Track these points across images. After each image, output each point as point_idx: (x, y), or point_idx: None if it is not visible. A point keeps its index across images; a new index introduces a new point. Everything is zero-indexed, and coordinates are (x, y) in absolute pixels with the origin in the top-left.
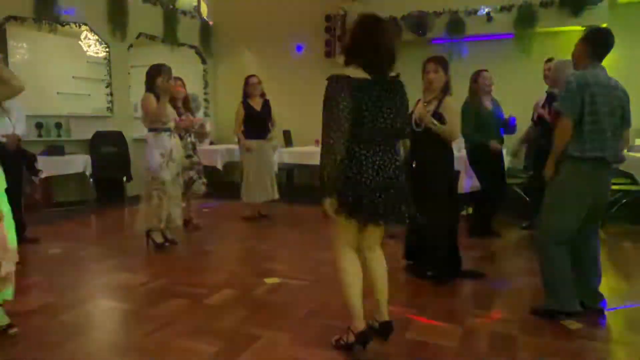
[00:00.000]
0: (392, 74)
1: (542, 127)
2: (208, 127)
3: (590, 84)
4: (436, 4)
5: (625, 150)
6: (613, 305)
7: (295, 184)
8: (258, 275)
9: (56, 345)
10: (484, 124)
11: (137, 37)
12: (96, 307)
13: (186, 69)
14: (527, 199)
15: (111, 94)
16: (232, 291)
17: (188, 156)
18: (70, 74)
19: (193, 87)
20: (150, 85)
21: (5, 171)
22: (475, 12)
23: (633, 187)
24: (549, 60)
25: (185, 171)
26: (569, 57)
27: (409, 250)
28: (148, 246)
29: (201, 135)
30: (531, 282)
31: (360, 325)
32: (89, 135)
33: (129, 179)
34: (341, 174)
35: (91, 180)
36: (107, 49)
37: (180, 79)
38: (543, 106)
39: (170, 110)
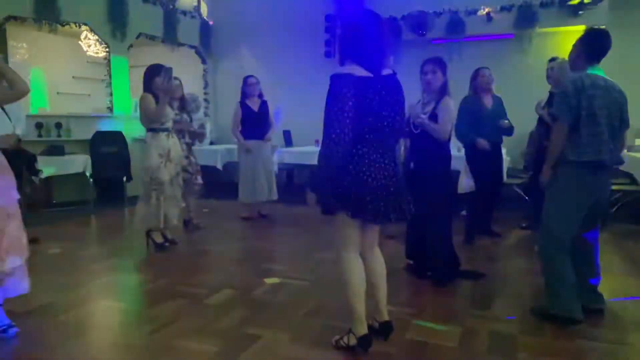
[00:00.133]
0: (389, 71)
1: (544, 127)
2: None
3: (587, 87)
4: (436, 4)
5: (625, 151)
6: (613, 305)
7: (295, 184)
8: (258, 275)
9: (56, 345)
10: (482, 122)
11: (137, 37)
12: (96, 307)
13: (186, 69)
14: (527, 198)
15: (111, 94)
16: (232, 291)
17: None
18: (70, 74)
19: (193, 87)
20: (148, 85)
21: None
22: (475, 12)
23: (633, 187)
24: (553, 59)
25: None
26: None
27: (410, 249)
28: (148, 246)
29: (197, 135)
30: (531, 282)
31: (362, 329)
32: (89, 135)
33: (129, 179)
34: (343, 173)
35: (91, 180)
36: (107, 49)
37: (177, 78)
38: (544, 107)
39: (168, 110)
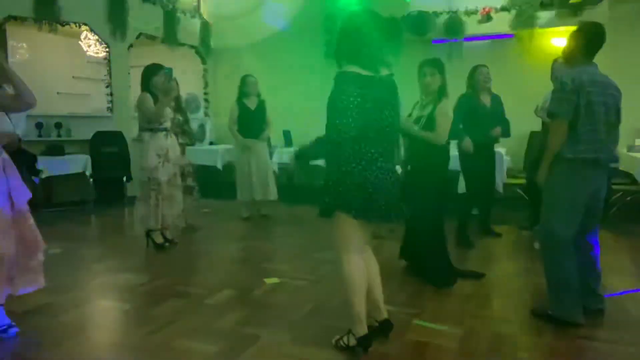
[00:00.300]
0: (387, 71)
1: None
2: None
3: (585, 84)
4: (436, 4)
5: (625, 150)
6: (613, 305)
7: (295, 184)
8: (258, 275)
9: (56, 345)
10: (480, 120)
11: (137, 37)
12: (96, 307)
13: (186, 69)
14: (527, 198)
15: (111, 94)
16: (232, 291)
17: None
18: (70, 74)
19: (193, 87)
20: (146, 85)
21: None
22: (476, 12)
23: (633, 187)
24: (557, 60)
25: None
26: None
27: (405, 249)
28: (148, 246)
29: (186, 133)
30: (531, 282)
31: (362, 329)
32: (89, 135)
33: (129, 179)
34: (346, 173)
35: (91, 180)
36: (107, 49)
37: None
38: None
39: (167, 110)
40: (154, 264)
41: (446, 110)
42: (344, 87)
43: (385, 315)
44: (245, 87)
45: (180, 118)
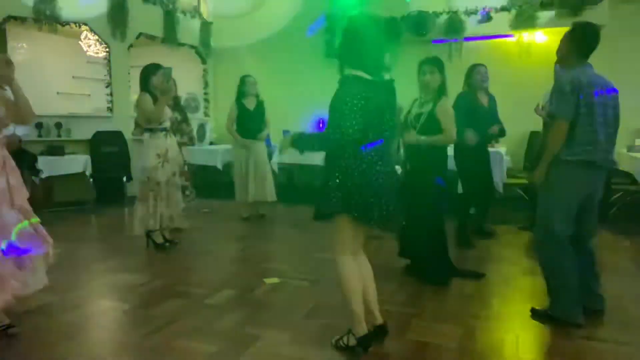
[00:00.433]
0: (388, 76)
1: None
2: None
3: (584, 85)
4: (436, 4)
5: (625, 150)
6: (613, 305)
7: (296, 185)
8: (258, 275)
9: (56, 345)
10: (478, 119)
11: (137, 37)
12: (96, 307)
13: (186, 69)
14: (527, 198)
15: (111, 94)
16: (232, 291)
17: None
18: (70, 74)
19: (193, 87)
20: (145, 84)
21: None
22: (476, 12)
23: (633, 187)
24: None
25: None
26: None
27: (404, 248)
28: (148, 246)
29: (184, 133)
30: (531, 282)
31: (361, 329)
32: (89, 135)
33: (129, 178)
34: (347, 175)
35: (91, 180)
36: (107, 49)
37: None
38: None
39: (166, 110)
40: (154, 264)
41: (447, 109)
42: (349, 90)
43: (380, 320)
44: (244, 87)
45: (178, 117)
